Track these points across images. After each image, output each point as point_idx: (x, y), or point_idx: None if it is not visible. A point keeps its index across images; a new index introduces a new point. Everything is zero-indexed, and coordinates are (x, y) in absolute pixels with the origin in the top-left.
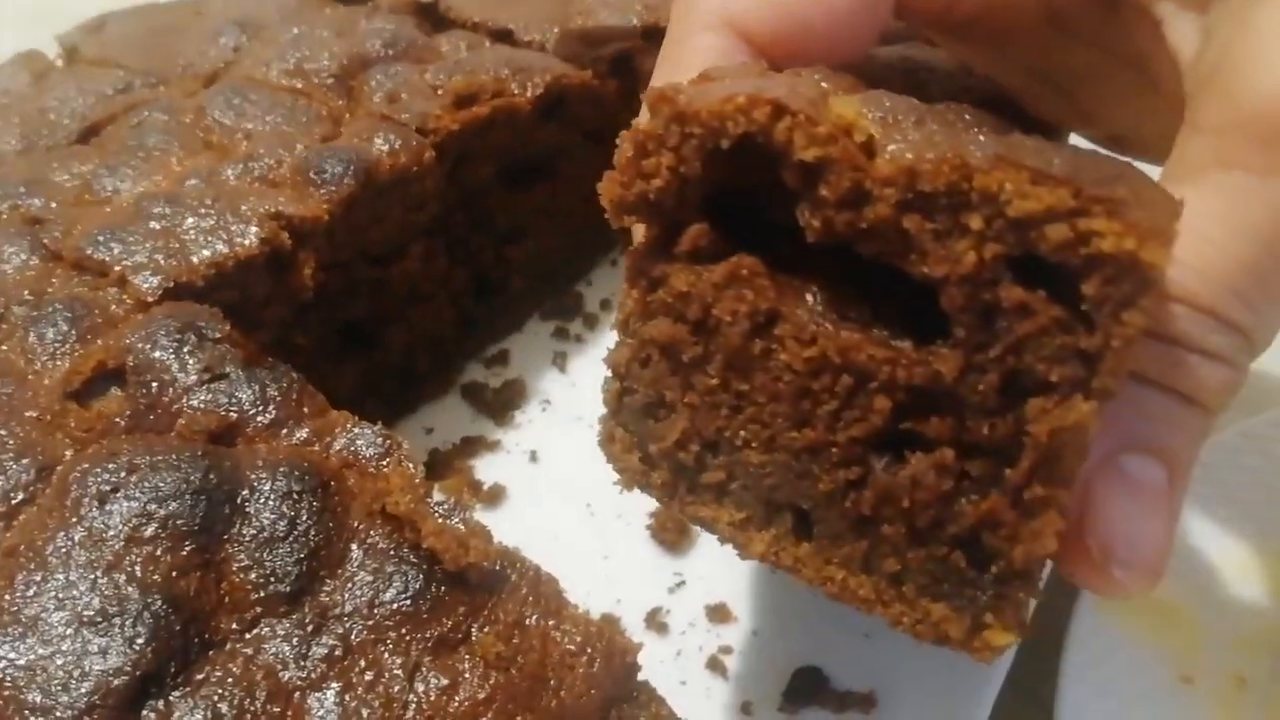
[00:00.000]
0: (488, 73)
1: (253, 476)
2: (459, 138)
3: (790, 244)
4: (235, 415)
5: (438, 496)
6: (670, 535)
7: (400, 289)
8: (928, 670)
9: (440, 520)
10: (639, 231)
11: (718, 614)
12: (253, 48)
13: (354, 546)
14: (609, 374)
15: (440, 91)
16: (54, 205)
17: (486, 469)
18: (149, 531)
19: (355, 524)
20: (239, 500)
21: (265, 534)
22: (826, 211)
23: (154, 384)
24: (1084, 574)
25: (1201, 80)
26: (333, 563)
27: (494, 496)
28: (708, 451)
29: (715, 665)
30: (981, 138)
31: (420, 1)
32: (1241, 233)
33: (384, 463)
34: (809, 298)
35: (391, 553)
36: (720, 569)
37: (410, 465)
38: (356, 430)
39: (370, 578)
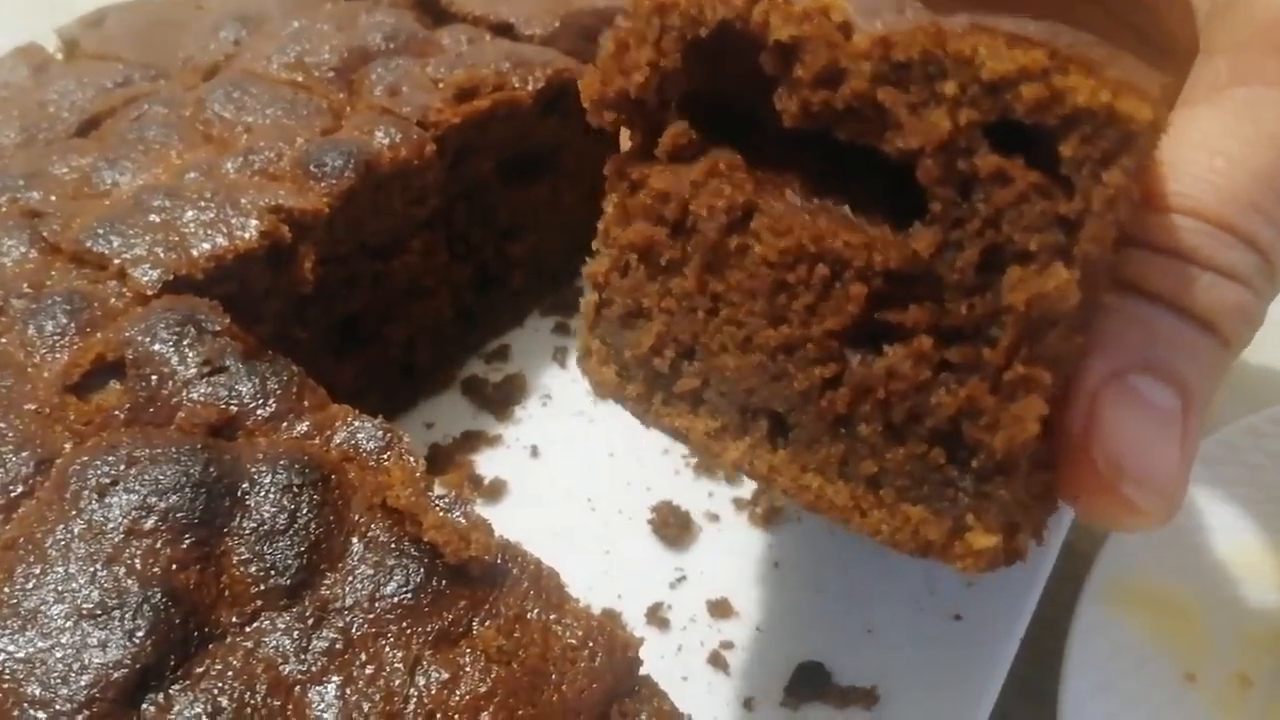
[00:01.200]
0: (489, 66)
1: (253, 470)
2: (460, 131)
3: (770, 141)
4: (235, 408)
5: (439, 490)
6: (671, 531)
7: (400, 283)
8: (931, 666)
9: (441, 514)
10: (624, 139)
11: (719, 609)
12: (253, 41)
13: (354, 540)
14: (588, 287)
15: (441, 85)
16: (53, 198)
17: (487, 464)
18: (149, 524)
19: (356, 517)
20: (239, 493)
21: (265, 527)
22: (803, 93)
23: (153, 377)
24: (1093, 498)
25: (1217, 7)
26: (333, 556)
27: (494, 491)
28: (684, 359)
29: (717, 660)
30: (958, 15)
31: None
32: (1259, 145)
33: (385, 456)
34: (787, 191)
35: (392, 546)
36: (721, 565)
37: (411, 459)
38: (357, 424)
39: (371, 571)
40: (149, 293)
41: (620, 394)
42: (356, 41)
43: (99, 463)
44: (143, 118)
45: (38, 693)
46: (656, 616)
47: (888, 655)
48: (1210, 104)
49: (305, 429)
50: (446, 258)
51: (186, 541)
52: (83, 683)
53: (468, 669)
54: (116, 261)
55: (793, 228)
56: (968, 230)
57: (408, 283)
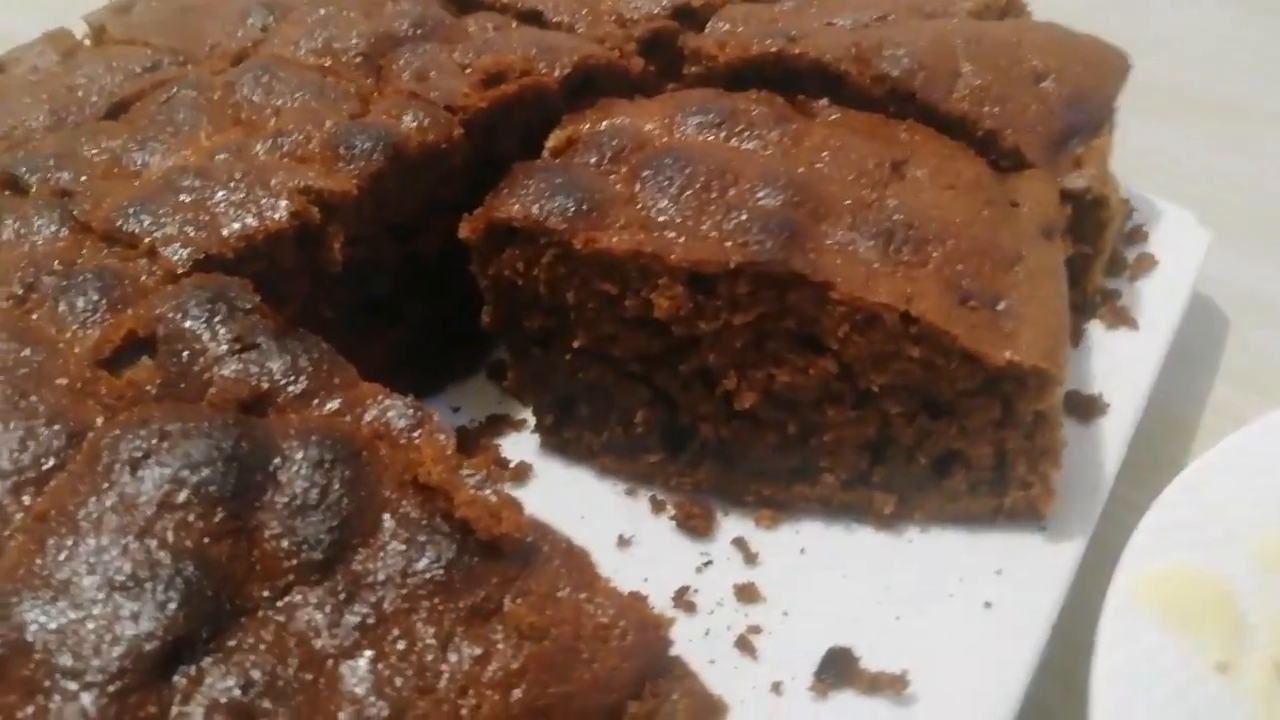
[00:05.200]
0: (515, 52)
1: (284, 445)
2: (487, 116)
3: None
4: (266, 385)
5: (469, 469)
6: (698, 523)
7: (426, 265)
8: (961, 652)
9: (473, 491)
10: None
11: (746, 593)
12: (280, 28)
13: (386, 516)
14: None
15: (469, 70)
16: (83, 179)
17: (513, 448)
18: (181, 498)
19: (387, 494)
20: (271, 468)
21: (297, 502)
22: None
23: (185, 353)
24: None
25: None
26: (365, 532)
27: (520, 475)
28: None
29: (744, 645)
30: None
31: None
32: None
33: (415, 434)
34: None
35: (424, 522)
36: (748, 550)
37: (442, 436)
38: (388, 402)
39: (403, 547)
40: (179, 271)
41: None
42: (384, 27)
43: (131, 436)
44: (172, 100)
45: (70, 664)
46: (683, 600)
47: (917, 641)
48: None
49: (336, 406)
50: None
51: (219, 515)
52: (114, 654)
53: (499, 645)
54: (147, 240)
55: None
56: None
57: (434, 265)
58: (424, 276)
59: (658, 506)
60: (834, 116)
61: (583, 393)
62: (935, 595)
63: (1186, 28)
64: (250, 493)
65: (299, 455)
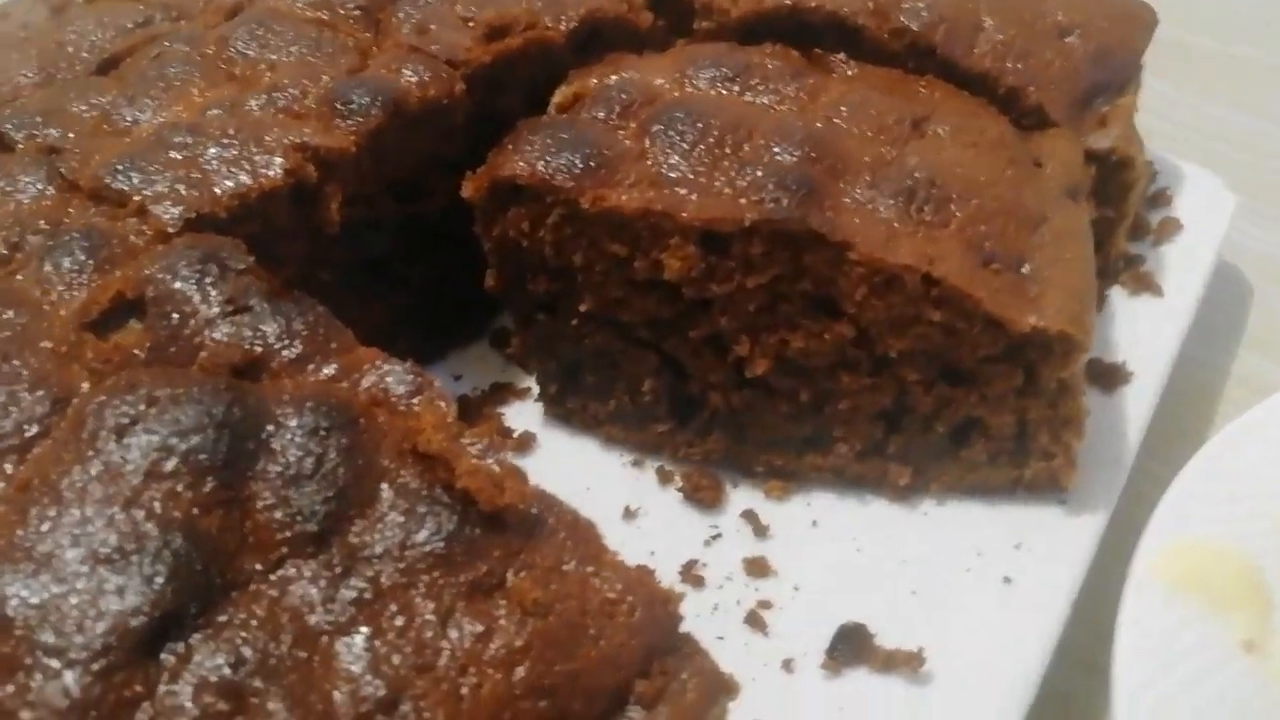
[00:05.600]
0: (520, 5)
1: (278, 412)
2: (490, 71)
3: None
4: (260, 349)
5: (470, 437)
6: (706, 494)
7: (427, 226)
8: (979, 630)
9: (475, 460)
10: None
11: (756, 567)
12: None
13: (384, 486)
14: None
15: (471, 24)
16: (71, 135)
17: (516, 417)
18: (169, 466)
19: (385, 463)
20: (264, 436)
21: (291, 471)
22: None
23: (174, 315)
24: None
25: None
26: (362, 502)
27: (523, 445)
28: None
29: (754, 620)
30: None
31: None
32: None
33: (414, 401)
34: None
35: (423, 493)
36: (757, 523)
37: (442, 404)
38: (386, 367)
39: (401, 518)
40: (170, 230)
41: None
42: None
43: (118, 402)
44: (163, 56)
45: (52, 640)
46: (691, 574)
47: (933, 618)
48: None
49: (332, 372)
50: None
51: (209, 485)
52: (99, 630)
53: (502, 622)
54: (137, 199)
55: None
56: None
57: (435, 226)
58: (425, 238)
59: (665, 477)
60: (851, 71)
61: (589, 360)
62: (952, 570)
63: None
64: (242, 461)
65: (293, 423)
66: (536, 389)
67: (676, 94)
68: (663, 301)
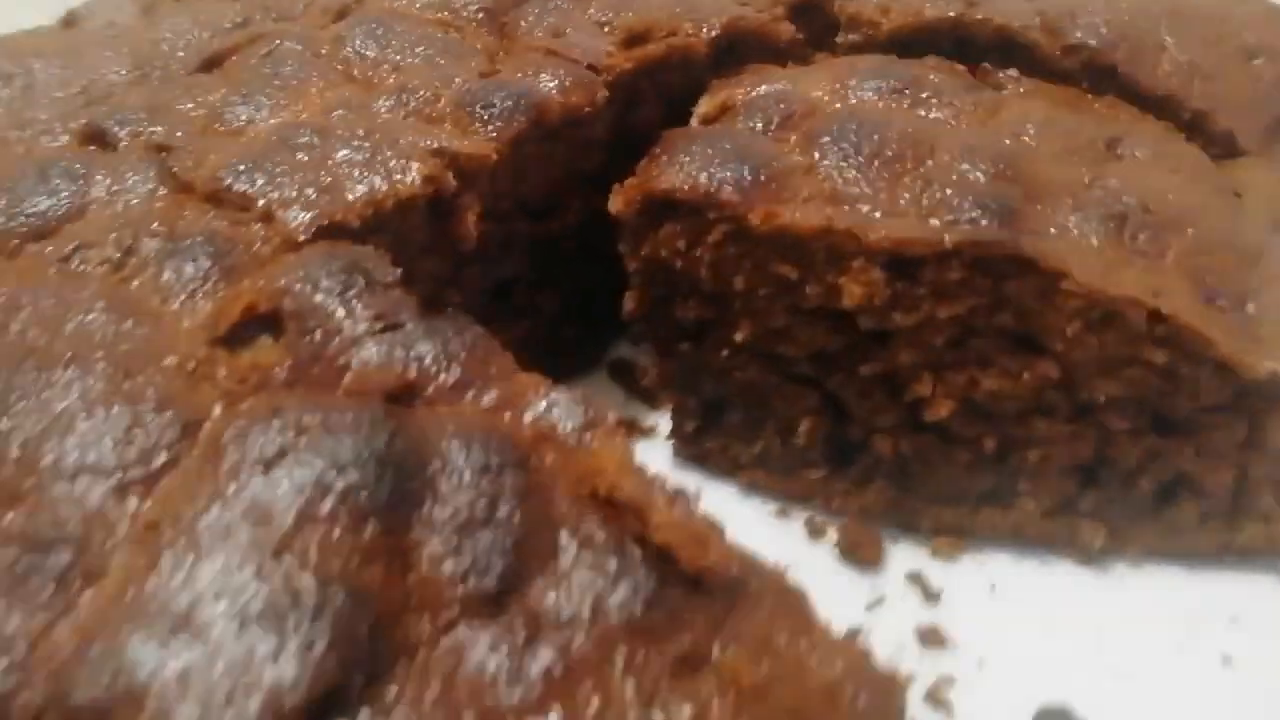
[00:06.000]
0: (660, 10)
1: (443, 445)
2: (632, 78)
3: None
4: (414, 373)
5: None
6: (865, 551)
7: (557, 248)
8: (1199, 718)
9: (670, 509)
10: None
11: (931, 637)
12: None
13: (564, 536)
14: None
15: (608, 29)
16: (180, 134)
17: (641, 459)
18: (325, 507)
19: (563, 509)
20: (429, 474)
21: (463, 516)
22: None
23: (317, 332)
24: None
25: None
26: (542, 556)
27: None
28: None
29: (936, 699)
30: None
31: None
32: None
33: (588, 436)
34: None
35: (613, 547)
36: (926, 586)
37: (620, 440)
38: (553, 396)
39: (589, 576)
40: (300, 238)
41: None
42: None
43: (261, 429)
44: (274, 54)
45: (195, 715)
46: None
47: (1145, 703)
48: None
49: (493, 400)
50: (607, 221)
51: (370, 530)
52: (251, 707)
53: (714, 705)
54: (261, 202)
55: None
56: None
57: (565, 247)
58: (553, 260)
59: (816, 531)
60: (1023, 89)
61: (736, 395)
62: (1160, 647)
63: None
64: (406, 504)
65: (460, 459)
66: (665, 426)
67: (839, 105)
68: (833, 332)
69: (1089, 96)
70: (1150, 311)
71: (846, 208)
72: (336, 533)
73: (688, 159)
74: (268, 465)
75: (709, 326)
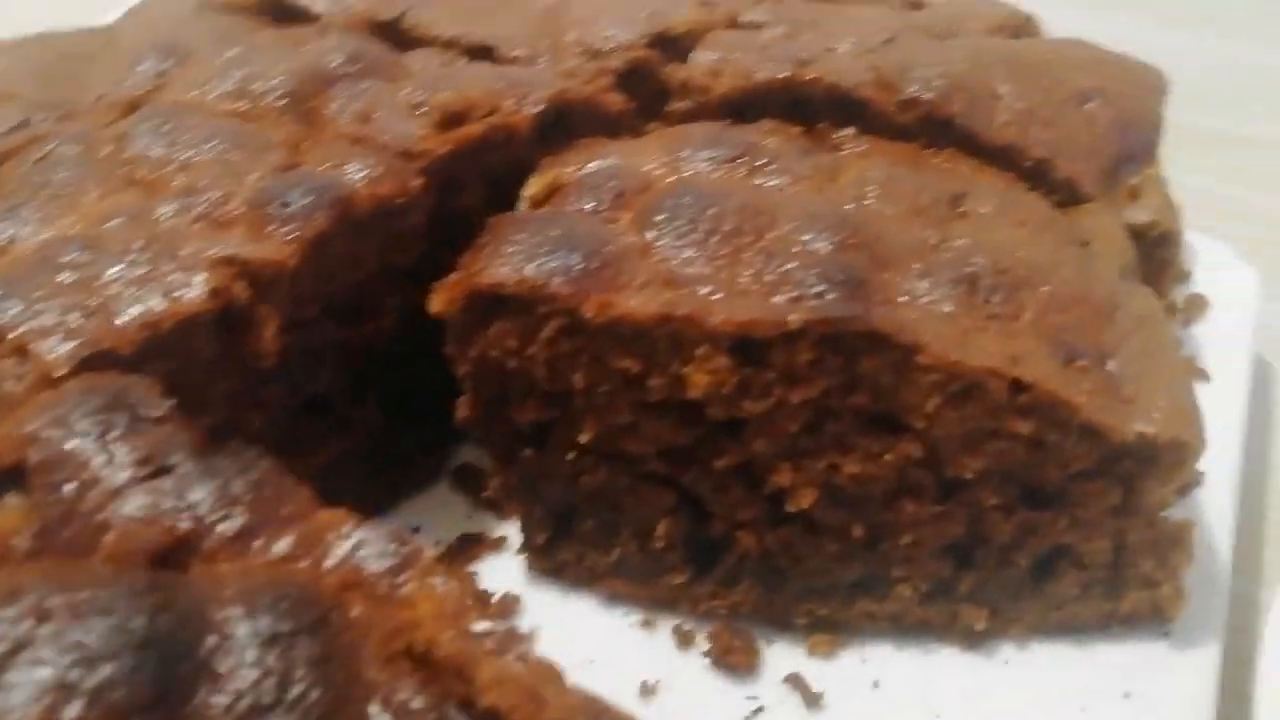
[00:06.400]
0: (477, 89)
1: (220, 615)
2: (449, 163)
3: None
4: (187, 524)
5: (482, 624)
6: (738, 657)
7: (376, 353)
8: None
9: (497, 663)
10: None
11: None
12: (180, 73)
13: (374, 709)
14: None
15: (422, 110)
16: None
17: (492, 575)
18: (71, 713)
19: (372, 674)
20: (203, 653)
21: (246, 702)
22: None
23: (68, 485)
24: None
25: None
26: None
27: (506, 610)
28: None
29: None
30: None
31: (378, 20)
32: None
33: (402, 579)
34: None
35: (432, 716)
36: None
37: (439, 581)
38: (359, 534)
39: None
40: (59, 372)
41: None
42: (311, 64)
43: None
44: (48, 159)
45: None
46: None
47: None
48: None
49: (287, 547)
50: (430, 320)
51: None
52: None
53: None
54: (13, 335)
55: None
56: None
57: (385, 351)
58: (373, 366)
59: (684, 639)
60: (861, 148)
61: (586, 501)
62: None
63: (1185, 55)
64: (175, 695)
65: (242, 630)
66: (516, 539)
67: (673, 178)
68: (682, 425)
69: (927, 152)
70: (1011, 381)
71: (686, 291)
72: None
73: (513, 249)
74: (0, 665)
75: (550, 428)
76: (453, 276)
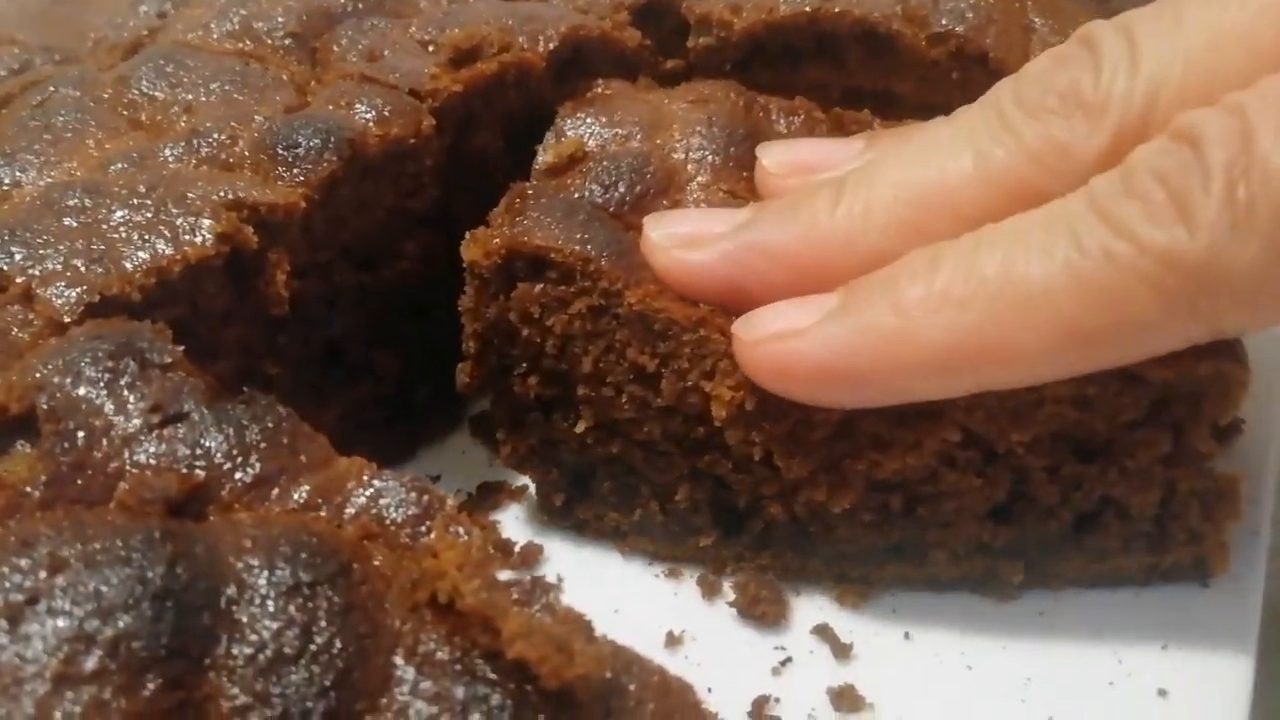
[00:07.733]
0: (489, 24)
1: (239, 564)
2: (461, 102)
3: None
4: (203, 472)
5: (507, 573)
6: (766, 608)
7: (393, 299)
8: None
9: (524, 612)
10: None
11: (845, 699)
12: (182, 13)
13: (399, 660)
14: None
15: (433, 48)
16: None
17: (514, 524)
18: (90, 664)
19: (396, 625)
20: (223, 603)
21: (268, 653)
22: None
23: (80, 433)
24: None
25: None
26: (372, 689)
27: (529, 559)
28: None
29: None
30: None
31: None
32: None
33: (424, 528)
34: None
35: (459, 667)
36: (835, 640)
37: (463, 529)
38: (379, 483)
39: (432, 709)
40: (66, 320)
41: None
42: (315, 2)
43: (7, 570)
44: (47, 102)
45: None
46: (763, 715)
47: None
48: None
49: (305, 496)
50: (447, 264)
51: (150, 686)
52: None
53: None
54: (20, 280)
55: None
56: None
57: (402, 298)
58: (390, 312)
59: (710, 589)
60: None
61: (601, 467)
62: (1092, 685)
63: None
64: (195, 646)
65: (262, 579)
66: (535, 487)
67: (703, 178)
68: (688, 423)
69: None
70: None
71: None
72: (106, 695)
73: (549, 218)
74: (14, 617)
75: (554, 405)
76: (492, 230)
